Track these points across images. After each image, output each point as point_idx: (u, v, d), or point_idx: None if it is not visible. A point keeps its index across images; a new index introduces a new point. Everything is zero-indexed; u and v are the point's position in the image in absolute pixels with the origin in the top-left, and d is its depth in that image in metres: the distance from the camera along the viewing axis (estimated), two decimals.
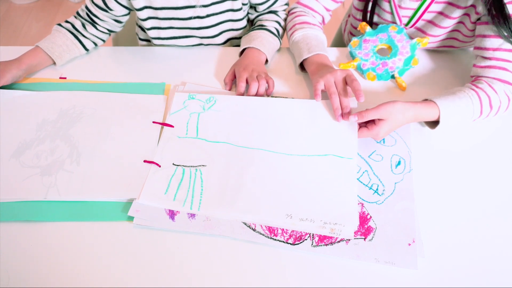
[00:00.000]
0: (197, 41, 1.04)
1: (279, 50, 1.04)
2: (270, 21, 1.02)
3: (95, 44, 1.02)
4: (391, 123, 0.78)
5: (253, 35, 0.98)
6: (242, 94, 0.89)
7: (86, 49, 1.00)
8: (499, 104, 0.82)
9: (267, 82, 0.91)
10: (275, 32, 1.01)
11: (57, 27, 0.98)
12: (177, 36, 1.02)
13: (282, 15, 1.05)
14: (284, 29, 1.04)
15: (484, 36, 0.85)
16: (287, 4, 1.06)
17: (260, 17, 1.06)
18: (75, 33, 0.97)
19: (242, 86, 0.89)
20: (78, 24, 0.98)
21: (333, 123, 0.82)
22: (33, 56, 0.94)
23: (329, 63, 0.91)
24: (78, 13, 1.00)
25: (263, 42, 0.97)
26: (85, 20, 0.99)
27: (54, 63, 0.96)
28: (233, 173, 0.76)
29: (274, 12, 1.05)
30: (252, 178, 0.75)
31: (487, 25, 0.84)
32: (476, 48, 0.88)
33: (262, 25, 1.01)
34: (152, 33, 1.02)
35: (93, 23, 0.99)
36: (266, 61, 0.98)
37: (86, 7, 0.98)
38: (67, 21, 0.99)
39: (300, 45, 0.95)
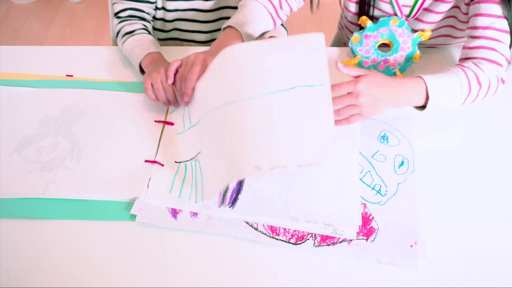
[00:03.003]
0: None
1: None
2: None
3: None
4: (372, 79, 0.73)
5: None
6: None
7: None
8: (488, 82, 0.80)
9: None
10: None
11: (137, 37, 0.93)
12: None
13: None
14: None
15: (476, 15, 0.84)
16: None
17: None
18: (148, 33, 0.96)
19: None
20: (143, 27, 0.96)
21: (294, 53, 0.68)
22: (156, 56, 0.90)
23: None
24: (121, 18, 0.97)
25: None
26: (138, 20, 0.98)
27: None
28: (215, 143, 0.72)
29: None
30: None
31: (480, 4, 0.84)
32: (468, 28, 0.87)
33: None
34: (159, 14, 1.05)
35: (145, 20, 1.00)
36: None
37: (129, 15, 0.97)
38: (133, 31, 0.94)
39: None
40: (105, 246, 0.68)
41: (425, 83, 0.77)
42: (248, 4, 0.91)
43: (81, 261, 0.66)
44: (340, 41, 1.31)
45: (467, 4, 0.89)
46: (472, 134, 0.86)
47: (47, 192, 0.72)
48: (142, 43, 0.91)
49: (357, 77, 0.74)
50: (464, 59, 0.87)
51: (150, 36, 0.94)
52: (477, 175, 0.79)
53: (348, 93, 0.74)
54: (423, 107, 0.79)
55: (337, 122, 0.73)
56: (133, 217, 0.70)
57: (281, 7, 0.94)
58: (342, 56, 1.02)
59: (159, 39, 1.12)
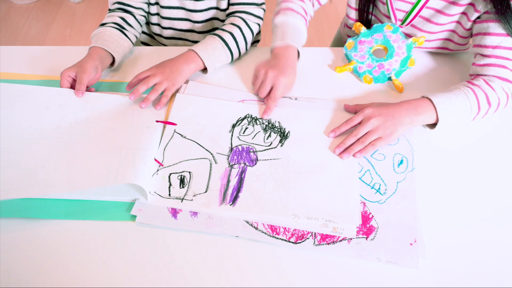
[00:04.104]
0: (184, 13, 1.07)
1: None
2: (231, 26, 0.98)
3: (136, 37, 1.03)
4: (376, 104, 0.83)
5: (206, 41, 0.95)
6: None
7: (132, 42, 1.00)
8: (498, 101, 0.82)
9: (161, 99, 0.86)
10: (230, 42, 0.95)
11: (101, 28, 0.96)
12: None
13: (252, 24, 1.00)
14: (245, 39, 0.98)
15: (485, 34, 0.85)
16: (263, 9, 1.03)
17: (228, 18, 1.02)
18: (119, 28, 0.97)
19: (132, 82, 0.88)
20: (118, 20, 0.98)
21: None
22: (96, 50, 0.92)
23: (289, 59, 0.90)
24: (110, 10, 1.01)
25: (208, 49, 0.93)
26: (122, 12, 1.00)
27: (113, 62, 0.95)
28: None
29: (243, 18, 0.99)
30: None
31: (488, 23, 0.85)
32: (476, 46, 0.88)
33: (222, 29, 0.97)
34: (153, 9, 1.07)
35: (130, 13, 1.01)
36: (206, 70, 0.94)
37: (117, 2, 1.00)
38: (104, 23, 0.98)
39: (276, 31, 0.95)
40: (105, 246, 0.68)
41: (434, 105, 0.80)
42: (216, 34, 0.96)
43: (81, 261, 0.66)
44: (339, 41, 1.31)
45: (472, 21, 0.89)
46: (471, 132, 0.86)
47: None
48: (95, 37, 0.95)
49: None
50: (475, 75, 0.88)
51: (111, 31, 0.96)
52: (476, 173, 0.79)
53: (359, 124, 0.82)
54: (433, 125, 0.83)
55: (363, 150, 0.79)
56: (133, 217, 0.70)
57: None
58: (337, 60, 1.02)
59: (155, 34, 1.14)
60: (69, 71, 0.87)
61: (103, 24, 0.97)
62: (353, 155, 0.79)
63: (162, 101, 0.86)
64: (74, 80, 0.88)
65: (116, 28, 0.96)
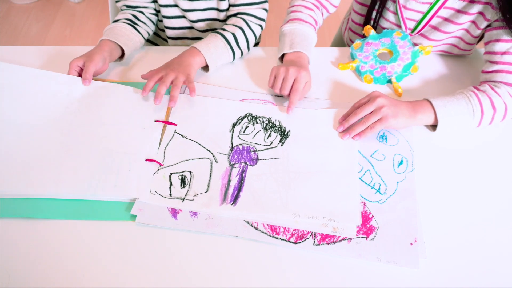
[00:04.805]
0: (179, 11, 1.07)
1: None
2: (233, 27, 0.98)
3: (148, 34, 1.05)
4: (379, 92, 0.81)
5: (208, 38, 0.96)
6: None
7: (143, 38, 1.02)
8: (504, 106, 0.82)
9: (188, 87, 0.86)
10: (231, 41, 0.96)
11: (113, 24, 0.99)
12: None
13: (254, 25, 1.00)
14: (247, 40, 0.99)
15: (495, 41, 0.86)
16: (265, 9, 1.02)
17: (230, 18, 1.02)
18: (131, 23, 1.00)
19: (149, 86, 0.86)
20: (130, 16, 1.01)
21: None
22: (106, 43, 0.93)
23: (304, 62, 0.91)
24: (121, 10, 1.04)
25: (210, 47, 0.94)
26: (132, 10, 1.03)
27: (122, 55, 0.97)
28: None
29: (245, 20, 0.99)
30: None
31: (497, 30, 0.85)
32: (486, 53, 0.88)
33: (223, 29, 0.98)
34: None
35: (140, 11, 1.03)
36: (207, 67, 0.95)
37: (125, 5, 1.03)
38: (116, 20, 1.00)
39: (284, 39, 0.96)
40: (105, 246, 0.68)
41: (432, 106, 0.80)
42: (218, 34, 0.97)
43: (81, 261, 0.66)
44: (339, 42, 1.31)
45: (481, 29, 0.89)
46: (470, 132, 0.85)
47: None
48: (107, 31, 0.97)
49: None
50: (483, 82, 0.88)
51: (122, 26, 0.98)
52: (476, 173, 0.79)
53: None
54: (436, 126, 0.83)
55: (362, 133, 0.80)
56: (133, 217, 0.70)
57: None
58: (341, 58, 1.02)
59: (160, 30, 1.15)
60: (78, 61, 0.89)
61: (116, 21, 1.00)
62: (353, 137, 0.80)
63: (192, 87, 0.86)
64: (82, 70, 0.90)
65: (128, 24, 0.99)
